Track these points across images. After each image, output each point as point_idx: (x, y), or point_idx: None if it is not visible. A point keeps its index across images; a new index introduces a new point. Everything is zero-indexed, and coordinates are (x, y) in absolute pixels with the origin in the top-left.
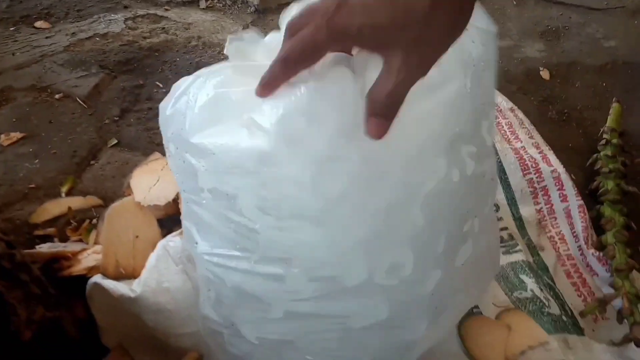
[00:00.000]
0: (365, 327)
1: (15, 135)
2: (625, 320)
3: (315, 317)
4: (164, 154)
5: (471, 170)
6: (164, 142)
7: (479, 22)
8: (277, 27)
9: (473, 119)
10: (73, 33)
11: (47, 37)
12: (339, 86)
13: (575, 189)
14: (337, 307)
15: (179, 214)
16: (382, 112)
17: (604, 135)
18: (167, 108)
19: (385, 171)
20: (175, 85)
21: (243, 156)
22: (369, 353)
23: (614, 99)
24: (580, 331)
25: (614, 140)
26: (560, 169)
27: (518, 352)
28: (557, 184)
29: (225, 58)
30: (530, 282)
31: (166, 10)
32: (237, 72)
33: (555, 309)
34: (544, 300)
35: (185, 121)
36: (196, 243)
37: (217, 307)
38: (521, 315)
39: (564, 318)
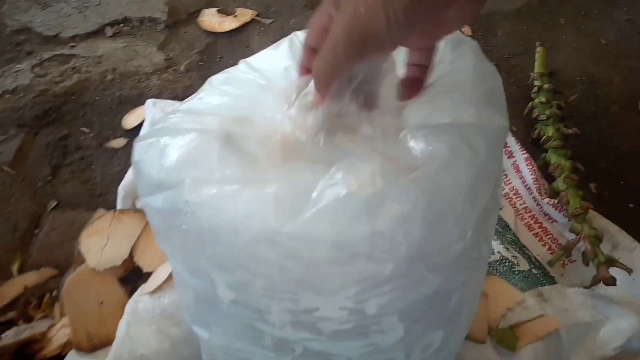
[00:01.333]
0: None
1: None
2: (591, 262)
3: None
4: (107, 207)
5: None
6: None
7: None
8: (192, 40)
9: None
10: None
11: None
12: None
13: (518, 143)
14: None
15: (138, 268)
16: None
17: (535, 82)
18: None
19: (423, 280)
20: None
21: (278, 287)
22: None
23: (537, 43)
24: (551, 280)
25: (545, 86)
26: None
27: (499, 317)
28: None
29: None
30: (495, 244)
31: (72, 47)
32: None
33: (524, 265)
34: (512, 259)
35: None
36: (205, 338)
37: None
38: (494, 280)
39: (534, 271)
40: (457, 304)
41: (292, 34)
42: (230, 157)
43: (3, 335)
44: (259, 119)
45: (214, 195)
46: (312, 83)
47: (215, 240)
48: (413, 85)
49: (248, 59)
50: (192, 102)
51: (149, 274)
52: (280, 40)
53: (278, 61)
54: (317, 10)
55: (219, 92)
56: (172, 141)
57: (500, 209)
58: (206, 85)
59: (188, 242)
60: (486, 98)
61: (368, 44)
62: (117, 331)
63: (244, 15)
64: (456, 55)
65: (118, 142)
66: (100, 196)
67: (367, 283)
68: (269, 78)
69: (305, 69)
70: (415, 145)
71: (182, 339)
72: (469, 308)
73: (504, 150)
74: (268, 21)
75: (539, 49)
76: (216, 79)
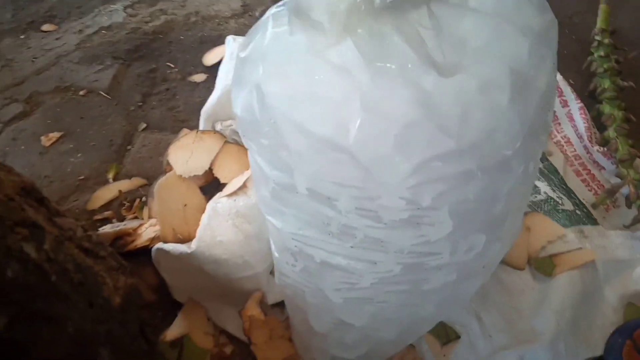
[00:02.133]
0: (435, 288)
1: (54, 135)
2: (633, 205)
3: (397, 284)
4: (190, 128)
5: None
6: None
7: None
8: None
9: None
10: (80, 30)
11: (57, 39)
12: None
13: (574, 93)
14: (418, 277)
15: (217, 180)
16: None
17: (596, 37)
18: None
19: (473, 177)
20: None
21: (348, 173)
22: (434, 302)
23: (601, 0)
24: (594, 221)
25: (605, 41)
26: (557, 76)
27: (539, 248)
28: (556, 90)
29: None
30: (542, 186)
31: None
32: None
33: (568, 205)
34: (557, 199)
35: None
36: (278, 226)
37: (302, 275)
38: (537, 216)
39: (578, 212)
40: (501, 213)
41: None
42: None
43: (100, 229)
44: None
45: (296, 85)
46: None
47: (298, 130)
48: None
49: None
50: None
51: (224, 186)
52: None
53: None
54: None
55: None
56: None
57: (551, 155)
58: None
59: (273, 134)
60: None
61: None
62: (200, 222)
63: None
64: None
65: (199, 77)
66: (183, 122)
67: (424, 175)
68: None
69: None
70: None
71: (253, 234)
72: (511, 221)
73: (558, 99)
74: None
75: (602, 6)
76: None
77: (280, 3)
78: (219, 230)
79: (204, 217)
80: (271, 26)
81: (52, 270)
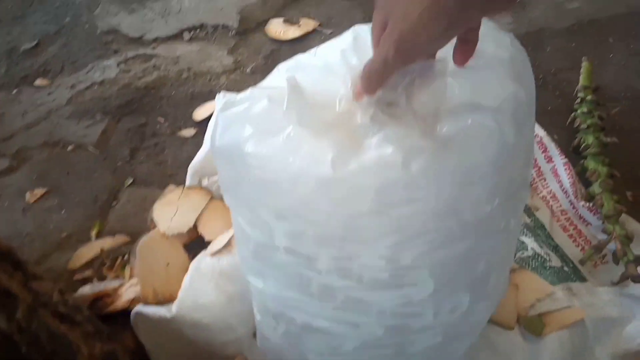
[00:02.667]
0: (420, 350)
1: (39, 191)
2: (621, 261)
3: (381, 348)
4: (177, 184)
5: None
6: (220, 180)
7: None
8: (259, 46)
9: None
10: (72, 85)
11: (49, 94)
12: None
13: (558, 148)
14: (402, 340)
15: (201, 237)
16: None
17: (579, 94)
18: (217, 141)
19: (453, 234)
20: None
21: (327, 234)
22: None
23: (583, 58)
24: (582, 278)
25: (588, 97)
26: (541, 132)
27: (528, 306)
28: (540, 147)
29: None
30: (529, 242)
31: (154, 48)
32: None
33: (556, 262)
34: (545, 256)
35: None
36: (259, 287)
37: (284, 338)
38: (526, 273)
39: (565, 269)
40: (484, 271)
41: (354, 26)
42: (293, 110)
43: (80, 289)
44: (320, 91)
45: (278, 147)
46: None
47: (276, 189)
48: (466, 50)
49: (316, 48)
50: (263, 82)
51: (209, 244)
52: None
53: (341, 50)
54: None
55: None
56: (246, 104)
57: (537, 210)
58: (274, 71)
59: (252, 194)
60: (513, 76)
61: (416, 54)
62: (182, 284)
63: (307, 25)
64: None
65: (188, 132)
66: (170, 176)
67: (403, 233)
68: (331, 65)
69: None
70: (447, 121)
71: (236, 295)
72: (496, 278)
73: (542, 155)
74: (328, 31)
75: (584, 64)
76: (283, 65)
77: (274, 73)
78: (201, 292)
79: (186, 279)
80: (259, 92)
81: (23, 342)
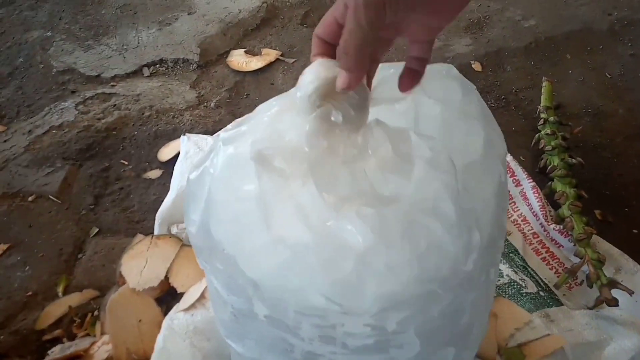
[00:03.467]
0: None
1: (0, 247)
2: (595, 285)
3: None
4: (145, 233)
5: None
6: (191, 236)
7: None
8: (222, 79)
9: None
10: (29, 131)
11: (5, 141)
12: None
13: (525, 172)
14: None
15: (173, 289)
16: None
17: (541, 115)
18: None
19: (436, 296)
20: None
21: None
22: None
23: (543, 79)
24: (558, 302)
25: (551, 118)
26: (508, 157)
27: (507, 336)
28: (508, 171)
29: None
30: (504, 268)
31: (113, 86)
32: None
33: (532, 288)
34: (520, 282)
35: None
36: (239, 351)
37: None
38: (503, 302)
39: (542, 293)
40: (468, 322)
41: None
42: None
43: (50, 352)
44: (283, 135)
45: (247, 221)
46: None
47: (251, 259)
48: (412, 77)
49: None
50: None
51: (181, 295)
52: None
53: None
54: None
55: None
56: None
57: (509, 234)
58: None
59: (228, 266)
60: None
61: (385, 5)
62: (155, 345)
63: (269, 55)
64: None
65: (154, 174)
66: (138, 223)
67: (387, 301)
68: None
69: (317, 56)
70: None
71: (213, 352)
72: (478, 327)
73: (510, 179)
74: (291, 60)
75: (544, 84)
76: (263, 106)
77: (229, 129)
78: (175, 353)
79: (159, 339)
80: (223, 154)
81: None
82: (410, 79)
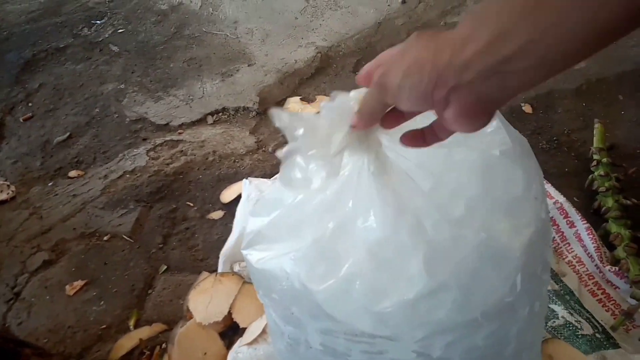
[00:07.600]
0: None
1: (78, 283)
2: None
3: None
4: (208, 270)
5: None
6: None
7: None
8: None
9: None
10: (105, 176)
11: (83, 185)
12: None
13: (579, 214)
14: None
15: (235, 323)
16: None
17: (594, 157)
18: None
19: (479, 325)
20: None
21: (357, 331)
22: None
23: (595, 120)
24: (615, 345)
25: (604, 160)
26: (561, 199)
27: None
28: (561, 213)
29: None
30: (560, 310)
31: (180, 133)
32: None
33: (588, 329)
34: (576, 324)
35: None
36: None
37: None
38: (559, 343)
39: (598, 335)
40: (514, 352)
41: None
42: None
43: None
44: None
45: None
46: None
47: (306, 293)
48: (418, 139)
49: None
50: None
51: (243, 330)
52: None
53: None
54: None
55: None
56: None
57: (564, 275)
58: None
59: (285, 297)
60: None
61: (391, 94)
62: None
63: (323, 101)
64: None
65: (217, 214)
66: (202, 261)
67: (431, 328)
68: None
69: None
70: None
71: None
72: (527, 356)
73: (564, 220)
74: None
75: (597, 126)
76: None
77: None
78: None
79: None
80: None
81: None
82: (414, 140)
